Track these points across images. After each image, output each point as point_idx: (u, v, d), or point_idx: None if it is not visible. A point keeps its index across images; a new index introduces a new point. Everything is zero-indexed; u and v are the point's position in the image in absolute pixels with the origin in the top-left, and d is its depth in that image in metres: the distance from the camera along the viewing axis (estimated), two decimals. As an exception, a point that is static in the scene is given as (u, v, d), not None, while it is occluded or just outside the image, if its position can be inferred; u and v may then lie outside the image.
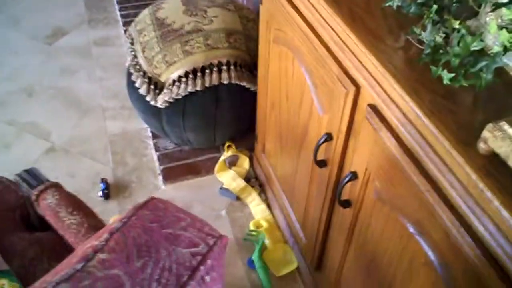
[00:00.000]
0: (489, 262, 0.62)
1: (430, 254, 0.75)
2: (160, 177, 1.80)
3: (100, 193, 1.73)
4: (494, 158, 0.63)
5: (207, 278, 0.61)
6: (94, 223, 0.90)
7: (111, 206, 1.71)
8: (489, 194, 0.61)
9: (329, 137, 1.03)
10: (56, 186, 0.98)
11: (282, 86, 1.30)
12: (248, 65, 1.66)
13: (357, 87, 0.90)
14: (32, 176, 1.02)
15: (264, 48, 1.38)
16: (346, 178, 0.96)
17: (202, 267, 0.60)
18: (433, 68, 0.76)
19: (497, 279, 0.60)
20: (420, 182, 0.74)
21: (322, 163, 1.09)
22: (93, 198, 1.73)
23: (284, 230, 1.58)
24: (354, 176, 0.95)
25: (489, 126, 0.63)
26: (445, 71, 0.74)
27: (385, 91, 0.81)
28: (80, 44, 2.47)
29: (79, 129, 2.01)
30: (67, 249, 0.97)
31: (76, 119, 2.06)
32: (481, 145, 0.65)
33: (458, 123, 0.70)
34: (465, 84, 0.74)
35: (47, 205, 0.92)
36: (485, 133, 0.64)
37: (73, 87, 2.22)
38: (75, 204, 0.94)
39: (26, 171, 1.05)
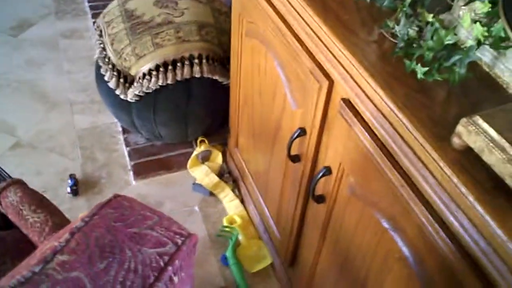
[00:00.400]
0: (464, 258, 0.61)
1: (405, 249, 0.74)
2: (131, 173, 1.76)
3: (69, 189, 1.68)
4: (468, 153, 0.63)
5: (175, 279, 0.58)
6: (58, 221, 0.86)
7: (80, 202, 1.66)
8: (463, 189, 0.60)
9: (302, 131, 1.02)
10: (19, 183, 0.94)
11: (255, 80, 1.27)
12: (221, 58, 1.63)
13: (331, 81, 0.89)
14: None
15: (236, 41, 1.35)
16: (320, 174, 0.94)
17: (169, 268, 0.57)
18: (407, 62, 0.75)
19: (472, 275, 0.60)
20: (394, 177, 0.73)
21: (295, 158, 1.08)
22: (61, 194, 1.68)
23: (258, 226, 1.57)
24: (328, 171, 0.94)
25: (463, 120, 0.63)
26: (419, 65, 0.73)
27: (358, 85, 0.79)
28: (47, 36, 2.39)
29: (46, 124, 1.95)
30: (33, 247, 0.93)
31: (43, 113, 1.99)
32: (455, 140, 0.64)
33: (432, 117, 0.69)
34: (438, 78, 0.73)
35: (9, 203, 0.88)
36: (459, 128, 0.63)
37: (39, 80, 2.14)
38: (38, 201, 0.90)
39: None
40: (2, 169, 0.99)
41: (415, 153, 0.68)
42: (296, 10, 0.95)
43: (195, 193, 1.71)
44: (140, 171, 1.76)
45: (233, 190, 1.69)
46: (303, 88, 0.99)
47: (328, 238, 1.04)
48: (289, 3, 0.97)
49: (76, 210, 1.63)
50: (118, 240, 0.58)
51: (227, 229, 1.58)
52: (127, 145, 1.84)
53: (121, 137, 1.89)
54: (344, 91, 0.85)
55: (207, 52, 1.57)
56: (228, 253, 1.50)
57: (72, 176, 1.71)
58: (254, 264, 1.49)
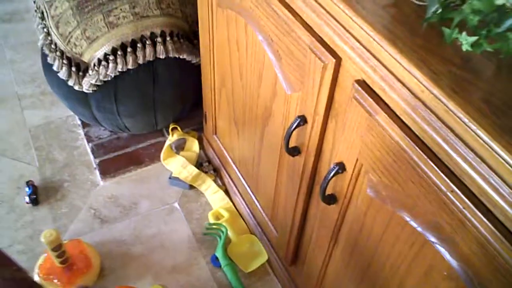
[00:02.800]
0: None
1: (457, 267, 0.59)
2: (97, 172, 1.55)
3: (27, 198, 1.46)
4: (552, 151, 0.47)
5: None
6: (8, 275, 0.67)
7: (42, 213, 1.46)
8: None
9: (302, 121, 0.85)
10: None
11: (233, 59, 1.08)
12: (187, 34, 1.42)
13: (338, 58, 0.71)
14: None
15: (205, 13, 1.14)
16: (331, 172, 0.78)
17: None
18: (446, 30, 0.58)
19: None
20: (440, 180, 0.57)
21: (294, 151, 0.91)
22: (19, 205, 1.47)
23: (247, 218, 1.41)
24: (340, 168, 0.78)
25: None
26: (464, 33, 0.56)
27: (382, 64, 0.62)
28: (-19, 21, 2.10)
29: (-8, 124, 1.71)
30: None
31: (-14, 112, 1.74)
32: (532, 133, 0.49)
33: (491, 102, 0.53)
34: (489, 49, 0.57)
35: None
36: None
37: (-22, 74, 1.88)
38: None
39: None
40: None
41: (475, 153, 0.52)
42: (285, -28, 0.76)
43: (172, 187, 1.53)
44: (108, 169, 1.56)
45: (215, 181, 1.52)
46: (300, 68, 0.81)
47: (342, 241, 0.89)
48: (275, -37, 0.78)
49: (39, 222, 1.43)
50: None
51: (214, 226, 1.41)
52: (88, 140, 1.63)
53: (81, 131, 1.67)
54: (359, 70, 0.68)
55: (171, 28, 1.35)
56: (218, 253, 1.34)
57: (29, 183, 1.49)
58: (249, 263, 1.34)
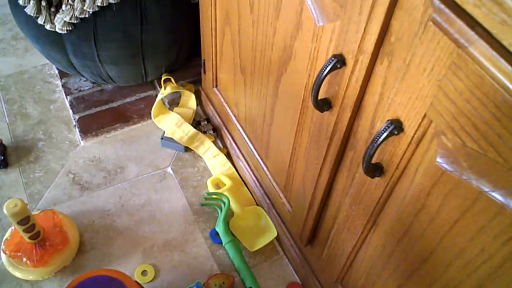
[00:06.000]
0: None
1: None
2: (77, 130, 1.33)
3: (-6, 160, 1.25)
4: None
5: None
6: None
7: (12, 177, 1.24)
8: None
9: (339, 62, 0.61)
10: None
11: (242, -15, 0.84)
12: (182, -38, 1.17)
13: (403, -36, 0.48)
14: None
15: None
16: (384, 133, 0.55)
17: None
18: None
19: None
20: None
21: (324, 104, 0.68)
22: (-15, 168, 1.25)
23: (253, 187, 1.20)
24: (397, 128, 0.55)
25: None
26: None
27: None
28: None
29: (-45, 73, 1.47)
30: None
31: (-52, 59, 1.50)
32: None
33: None
34: None
35: None
36: None
37: None
38: None
39: None
40: None
41: None
42: None
43: (165, 149, 1.31)
44: (89, 127, 1.33)
45: (214, 142, 1.30)
46: (339, -14, 0.57)
47: (383, 225, 0.67)
48: None
49: (8, 187, 1.22)
50: None
51: (214, 195, 1.20)
52: (67, 92, 1.40)
53: (58, 82, 1.44)
54: (439, -20, 0.44)
55: (162, -47, 1.10)
56: (219, 228, 1.14)
57: (-4, 142, 1.27)
58: (255, 240, 1.13)
